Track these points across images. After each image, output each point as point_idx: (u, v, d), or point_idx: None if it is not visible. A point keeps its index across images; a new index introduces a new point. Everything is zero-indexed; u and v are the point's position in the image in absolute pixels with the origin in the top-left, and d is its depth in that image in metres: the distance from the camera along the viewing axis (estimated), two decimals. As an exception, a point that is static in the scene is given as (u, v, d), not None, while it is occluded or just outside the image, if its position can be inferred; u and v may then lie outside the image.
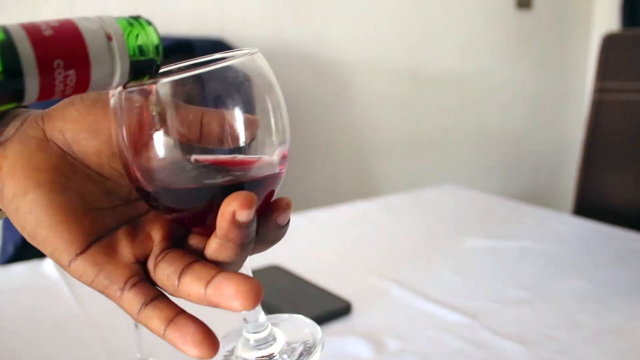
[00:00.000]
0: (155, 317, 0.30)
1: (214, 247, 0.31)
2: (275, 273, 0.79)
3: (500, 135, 2.37)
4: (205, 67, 0.29)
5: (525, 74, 2.39)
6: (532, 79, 2.41)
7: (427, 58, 2.10)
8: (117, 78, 0.28)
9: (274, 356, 0.35)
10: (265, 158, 0.32)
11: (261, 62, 0.32)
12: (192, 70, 0.29)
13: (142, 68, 0.29)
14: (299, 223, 1.06)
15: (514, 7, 2.28)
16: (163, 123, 0.30)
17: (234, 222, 0.28)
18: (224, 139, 0.31)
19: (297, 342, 0.37)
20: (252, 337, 0.35)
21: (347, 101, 1.95)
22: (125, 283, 0.30)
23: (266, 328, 0.36)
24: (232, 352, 0.36)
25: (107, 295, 0.31)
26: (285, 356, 0.35)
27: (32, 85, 0.25)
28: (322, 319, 0.67)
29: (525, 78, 2.39)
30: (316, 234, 1.01)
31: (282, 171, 0.33)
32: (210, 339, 0.29)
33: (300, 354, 0.35)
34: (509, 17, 2.28)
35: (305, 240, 0.97)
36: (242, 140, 0.31)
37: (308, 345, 0.36)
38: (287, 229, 0.34)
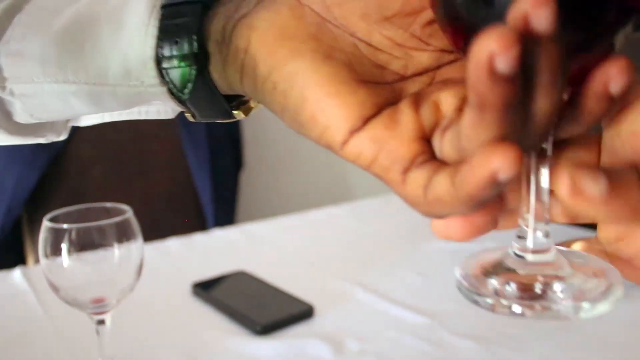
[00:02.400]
0: (442, 182, 0.22)
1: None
2: (241, 278, 0.80)
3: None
4: None
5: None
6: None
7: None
8: None
9: (552, 282, 0.25)
10: None
11: None
12: None
13: None
14: (266, 229, 1.08)
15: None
16: None
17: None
18: None
19: (585, 277, 0.26)
20: (528, 256, 0.26)
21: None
22: (412, 162, 0.24)
23: (550, 249, 0.26)
24: (496, 266, 0.27)
25: (386, 180, 0.25)
26: (561, 286, 0.25)
27: None
28: (284, 322, 0.68)
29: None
30: (283, 240, 1.03)
31: None
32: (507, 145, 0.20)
33: (588, 292, 0.25)
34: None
35: (273, 246, 0.99)
36: None
37: (599, 285, 0.25)
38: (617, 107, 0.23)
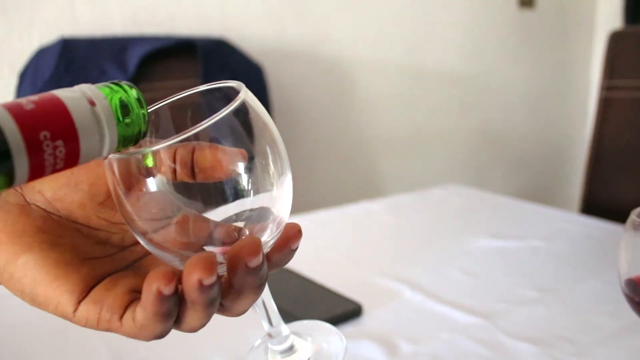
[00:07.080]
0: (138, 311, 0.29)
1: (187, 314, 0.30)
2: (283, 275, 0.77)
3: (502, 134, 2.35)
4: (194, 129, 0.29)
5: (527, 73, 2.37)
6: (535, 78, 2.40)
7: (430, 57, 2.09)
8: (107, 143, 0.27)
9: None
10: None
11: (250, 100, 0.32)
12: (182, 134, 0.29)
13: (129, 135, 0.29)
14: (303, 224, 1.05)
15: (517, 6, 2.27)
16: (156, 174, 0.30)
17: (201, 287, 0.27)
18: (218, 174, 0.31)
19: (320, 350, 0.38)
20: (277, 348, 0.38)
21: (350, 100, 1.94)
22: (125, 309, 0.29)
23: (289, 339, 0.39)
24: None
25: (112, 331, 0.30)
26: None
27: (21, 163, 0.24)
28: (333, 322, 0.65)
29: (527, 77, 2.38)
30: (322, 235, 1.00)
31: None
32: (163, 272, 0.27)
33: None
34: (511, 16, 2.27)
35: (311, 241, 0.96)
36: (236, 172, 0.32)
37: (332, 353, 0.37)
38: (296, 251, 0.35)
